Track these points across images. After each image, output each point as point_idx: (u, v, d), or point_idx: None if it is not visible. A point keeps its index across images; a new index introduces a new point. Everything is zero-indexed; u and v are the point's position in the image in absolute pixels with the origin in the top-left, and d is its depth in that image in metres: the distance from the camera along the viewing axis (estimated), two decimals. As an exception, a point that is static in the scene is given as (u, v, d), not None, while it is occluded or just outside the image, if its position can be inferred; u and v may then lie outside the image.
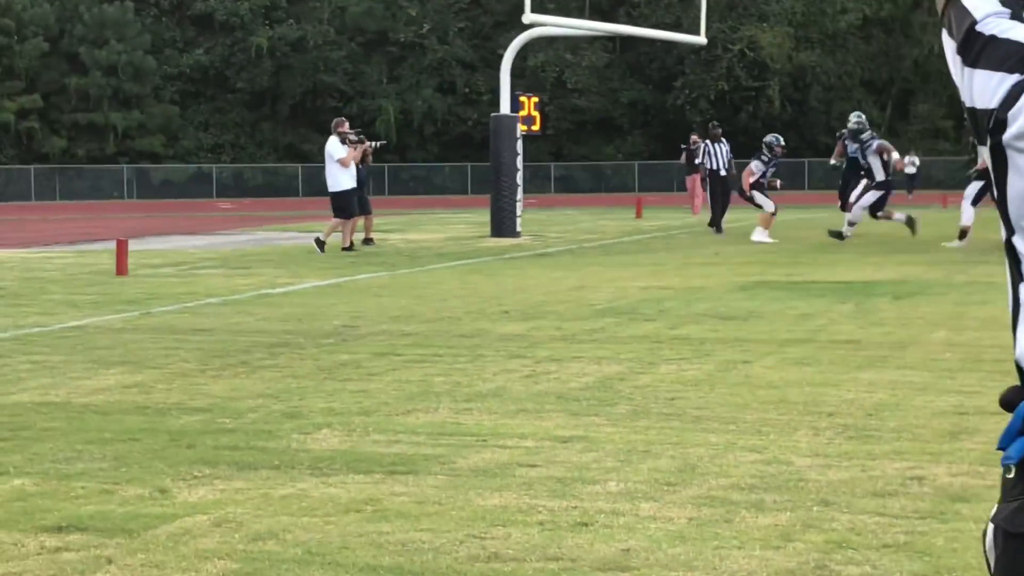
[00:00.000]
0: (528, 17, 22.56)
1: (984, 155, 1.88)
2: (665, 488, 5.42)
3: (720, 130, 24.06)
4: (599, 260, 17.75)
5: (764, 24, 61.11)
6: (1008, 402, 1.84)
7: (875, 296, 12.03)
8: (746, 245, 19.86)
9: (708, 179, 24.46)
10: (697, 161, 25.40)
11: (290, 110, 64.30)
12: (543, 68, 60.25)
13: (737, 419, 6.74)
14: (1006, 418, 5.80)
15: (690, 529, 4.85)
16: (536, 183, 54.83)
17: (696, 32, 29.99)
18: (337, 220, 20.00)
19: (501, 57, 25.11)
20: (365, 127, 55.20)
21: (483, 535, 4.83)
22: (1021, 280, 1.82)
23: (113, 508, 5.25)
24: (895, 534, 4.66)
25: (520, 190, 23.59)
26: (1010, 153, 1.78)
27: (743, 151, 30.75)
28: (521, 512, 5.11)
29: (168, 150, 62.07)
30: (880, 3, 63.11)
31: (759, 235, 20.65)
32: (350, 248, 19.69)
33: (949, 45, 1.94)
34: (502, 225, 23.06)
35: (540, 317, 11.22)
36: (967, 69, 1.87)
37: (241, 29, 62.78)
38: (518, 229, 23.13)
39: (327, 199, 20.52)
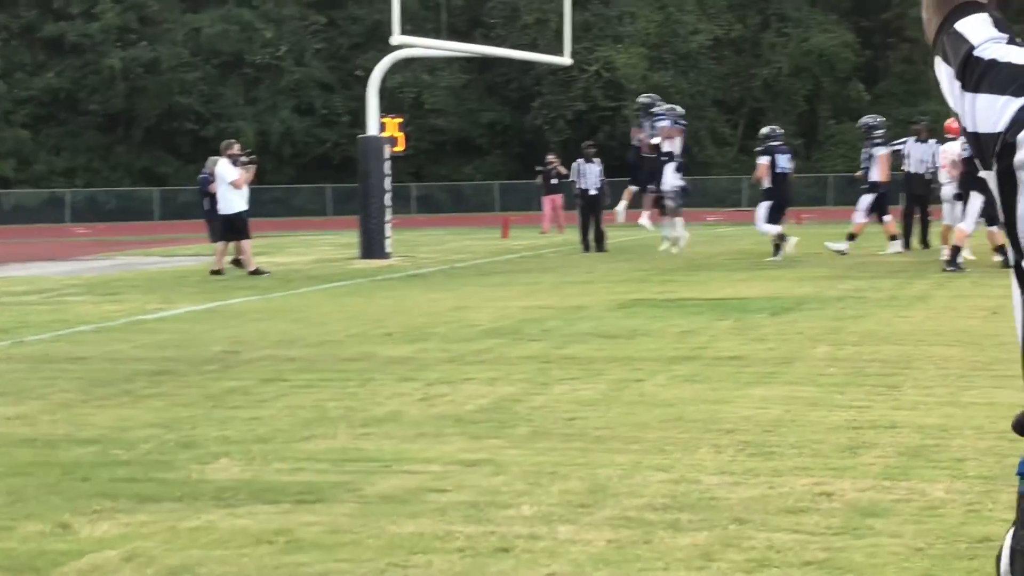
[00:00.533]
0: (396, 39, 22.47)
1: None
2: (579, 510, 5.40)
3: (594, 149, 24.07)
4: (475, 280, 17.71)
5: (619, 45, 61.99)
6: (1023, 425, 1.85)
7: (752, 312, 12.23)
8: (617, 264, 20.02)
9: (579, 198, 24.48)
10: (571, 179, 25.42)
11: (145, 133, 62.98)
12: (401, 89, 60.10)
13: (639, 438, 6.76)
14: (902, 433, 5.93)
15: (611, 552, 4.83)
16: (397, 204, 54.38)
17: (559, 53, 30.24)
18: (229, 242, 19.85)
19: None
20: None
21: (404, 563, 4.75)
22: None
23: (15, 546, 5.03)
24: (814, 551, 4.71)
25: (389, 211, 23.46)
26: (1020, 176, 1.79)
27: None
28: (438, 538, 5.04)
29: (20, 175, 60.25)
30: (730, 24, 64.61)
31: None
32: (219, 272, 19.41)
33: (945, 71, 1.95)
34: (371, 246, 22.87)
35: (424, 339, 11.14)
36: (967, 94, 1.88)
37: (93, 51, 61.33)
38: (388, 250, 22.98)
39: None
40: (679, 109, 22.90)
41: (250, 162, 20.27)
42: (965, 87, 1.89)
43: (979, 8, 1.94)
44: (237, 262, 20.12)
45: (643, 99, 22.67)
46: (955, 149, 17.32)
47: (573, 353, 9.98)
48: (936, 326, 10.77)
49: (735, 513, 5.23)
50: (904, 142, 21.38)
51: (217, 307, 14.70)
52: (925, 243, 21.00)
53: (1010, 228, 1.83)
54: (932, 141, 21.11)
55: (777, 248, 19.52)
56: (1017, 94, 1.81)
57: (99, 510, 5.52)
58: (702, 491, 5.61)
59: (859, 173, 21.90)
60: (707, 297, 13.93)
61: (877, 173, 20.28)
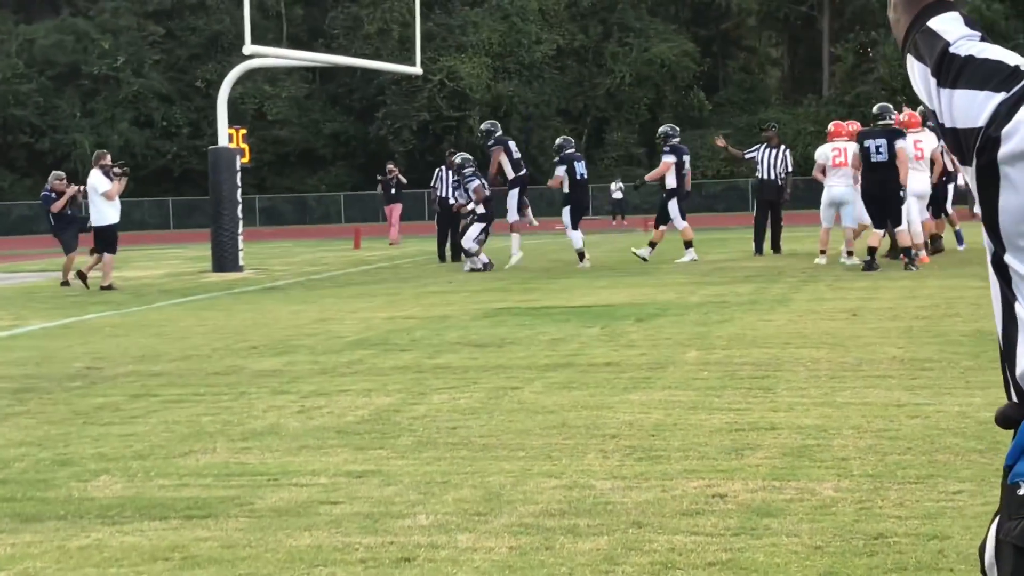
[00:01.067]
0: (248, 48, 22.15)
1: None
2: (476, 518, 5.37)
3: (458, 157, 24.01)
4: (333, 292, 17.53)
5: (463, 55, 62.19)
6: (1007, 418, 1.88)
7: (618, 319, 12.35)
8: (474, 274, 20.02)
9: (438, 206, 24.33)
10: (432, 185, 25.14)
11: (-22, 145, 60.98)
12: (243, 100, 59.29)
13: (524, 445, 6.76)
14: (783, 434, 6.03)
15: (514, 558, 4.81)
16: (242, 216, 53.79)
17: (405, 62, 30.22)
18: (103, 256, 19.39)
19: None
20: (59, 163, 52.93)
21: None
22: (1015, 299, 1.86)
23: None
24: (715, 552, 4.76)
25: (241, 224, 23.08)
26: (1004, 170, 1.82)
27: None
28: (338, 551, 4.96)
29: None
30: (573, 34, 65.35)
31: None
32: (68, 284, 19.02)
33: (918, 68, 1.98)
34: (224, 259, 22.47)
35: (292, 351, 10.97)
36: (944, 90, 1.91)
37: (-75, 64, 59.28)
38: (241, 263, 22.60)
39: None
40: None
41: (123, 173, 19.83)
42: (941, 84, 1.92)
43: (949, 7, 1.98)
44: (82, 276, 19.59)
45: (485, 126, 22.71)
46: (931, 142, 17.50)
47: (446, 362, 9.94)
48: (800, 329, 11.02)
49: (632, 517, 5.26)
50: (756, 149, 21.90)
51: (72, 323, 14.25)
52: (777, 248, 21.53)
53: (991, 223, 1.87)
54: (782, 147, 21.74)
55: (581, 256, 20.22)
56: (997, 89, 1.85)
57: (-19, 531, 5.29)
58: (596, 496, 5.63)
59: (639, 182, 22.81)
60: (571, 305, 14.03)
61: (671, 180, 20.63)
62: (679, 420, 7.19)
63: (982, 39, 1.93)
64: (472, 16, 64.20)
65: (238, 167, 23.16)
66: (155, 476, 6.29)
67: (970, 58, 1.90)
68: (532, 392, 8.38)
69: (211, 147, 24.71)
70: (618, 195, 48.88)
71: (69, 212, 20.50)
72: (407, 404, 8.13)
